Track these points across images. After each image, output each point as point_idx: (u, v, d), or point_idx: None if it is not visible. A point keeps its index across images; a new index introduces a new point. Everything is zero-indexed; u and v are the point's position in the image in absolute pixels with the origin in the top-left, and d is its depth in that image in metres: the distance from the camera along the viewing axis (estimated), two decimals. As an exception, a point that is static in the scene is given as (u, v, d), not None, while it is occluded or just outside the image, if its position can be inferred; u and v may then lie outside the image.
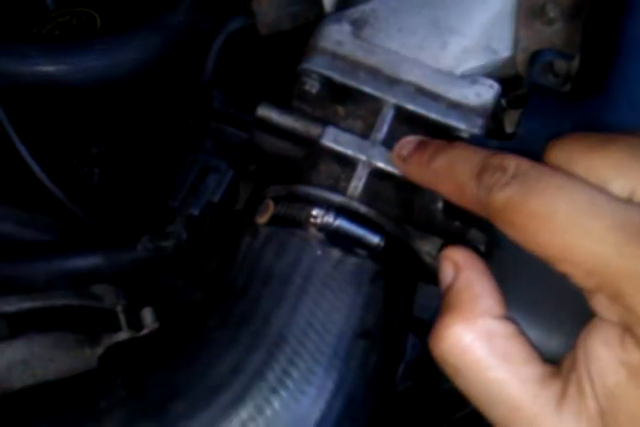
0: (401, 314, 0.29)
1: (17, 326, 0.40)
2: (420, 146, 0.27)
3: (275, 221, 0.29)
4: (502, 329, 0.22)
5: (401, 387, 0.44)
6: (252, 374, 0.25)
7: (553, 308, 0.23)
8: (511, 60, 0.32)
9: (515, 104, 0.32)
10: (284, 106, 0.32)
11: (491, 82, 0.30)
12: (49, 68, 0.35)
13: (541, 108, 0.28)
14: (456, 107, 0.30)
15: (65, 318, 0.41)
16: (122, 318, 0.43)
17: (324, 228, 0.27)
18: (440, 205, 0.29)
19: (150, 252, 0.33)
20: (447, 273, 0.23)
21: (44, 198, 0.49)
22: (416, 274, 0.30)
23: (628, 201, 0.20)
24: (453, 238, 0.30)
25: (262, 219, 0.29)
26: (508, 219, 0.21)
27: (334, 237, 0.27)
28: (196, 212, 0.31)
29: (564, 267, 0.20)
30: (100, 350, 0.40)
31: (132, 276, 0.39)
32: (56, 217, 0.48)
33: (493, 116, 0.31)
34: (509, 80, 0.32)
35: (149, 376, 0.26)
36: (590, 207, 0.20)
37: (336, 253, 0.27)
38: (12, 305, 0.40)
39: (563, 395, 0.21)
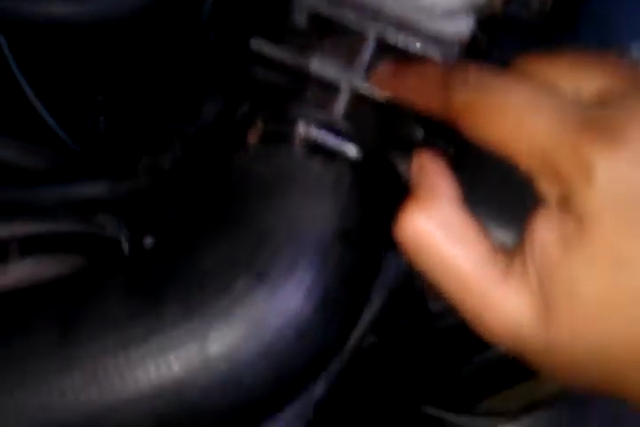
0: (378, 223, 0.32)
1: (26, 249, 0.43)
2: (398, 67, 0.30)
3: (264, 138, 0.32)
4: (455, 212, 0.25)
5: (398, 326, 0.47)
6: (240, 264, 0.29)
7: (512, 207, 0.26)
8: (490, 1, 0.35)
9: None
10: (277, 39, 0.35)
11: (465, 16, 0.33)
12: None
13: (511, 38, 0.31)
14: (433, 39, 0.33)
15: (70, 244, 0.44)
16: (125, 246, 0.46)
17: (307, 140, 0.31)
18: (421, 131, 0.32)
19: (149, 175, 0.37)
20: (414, 169, 0.27)
21: (50, 141, 0.52)
22: (395, 188, 0.33)
23: (569, 97, 0.24)
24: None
25: (253, 137, 0.32)
26: (466, 118, 0.25)
27: (316, 149, 0.31)
28: (190, 130, 0.34)
29: (511, 152, 0.23)
30: (102, 274, 0.43)
31: (134, 205, 0.42)
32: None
33: (472, 49, 0.34)
34: (490, 20, 0.35)
35: (148, 267, 0.30)
36: (534, 100, 0.23)
37: (318, 162, 0.31)
38: (21, 229, 0.43)
39: (508, 267, 0.24)
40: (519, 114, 0.23)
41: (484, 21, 0.34)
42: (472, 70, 0.25)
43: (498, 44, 0.31)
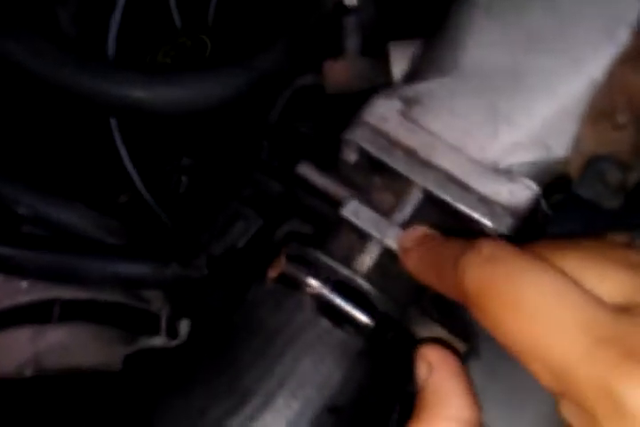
0: (381, 394, 0.29)
1: (67, 313, 0.44)
2: (421, 239, 0.27)
3: (281, 278, 0.30)
4: None
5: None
6: (214, 421, 0.27)
7: (533, 410, 0.22)
8: (566, 162, 0.31)
9: (558, 207, 0.31)
10: (331, 165, 0.33)
11: (530, 183, 0.29)
12: (141, 95, 0.38)
13: (571, 220, 0.27)
14: (486, 202, 0.29)
15: (112, 314, 0.45)
16: (163, 322, 0.46)
17: (318, 298, 0.28)
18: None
19: (180, 277, 0.36)
20: (421, 373, 0.24)
21: (137, 202, 0.54)
22: (409, 357, 0.30)
23: (598, 298, 0.19)
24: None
25: (272, 273, 0.30)
26: (479, 304, 0.21)
27: (326, 309, 0.28)
28: (216, 252, 0.33)
29: (532, 366, 0.19)
30: (129, 351, 0.44)
31: (172, 289, 0.42)
32: (143, 218, 0.52)
33: (531, 221, 0.30)
34: (560, 180, 0.31)
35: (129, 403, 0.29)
36: (558, 295, 0.19)
37: (325, 323, 0.28)
38: (69, 293, 0.44)
39: None
40: (541, 313, 0.19)
41: (558, 183, 0.30)
42: (487, 244, 0.21)
43: (557, 220, 0.27)
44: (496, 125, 0.31)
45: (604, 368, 0.18)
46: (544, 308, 0.19)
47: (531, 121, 0.31)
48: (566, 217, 0.28)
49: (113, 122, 0.53)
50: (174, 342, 0.45)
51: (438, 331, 0.30)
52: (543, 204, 0.30)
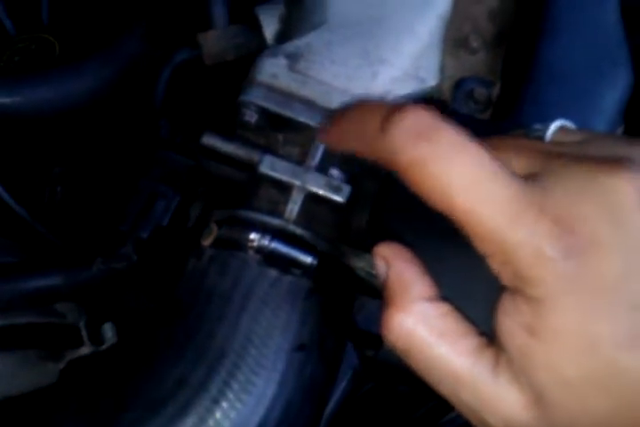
0: (335, 326, 0.31)
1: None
2: (340, 115, 0.25)
3: (218, 243, 0.31)
4: (435, 310, 0.24)
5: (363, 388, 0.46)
6: (196, 387, 0.28)
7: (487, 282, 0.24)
8: (438, 88, 0.35)
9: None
10: (230, 132, 0.34)
11: (416, 109, 0.33)
12: (5, 100, 0.36)
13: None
14: (384, 133, 0.32)
15: (29, 336, 0.43)
16: (84, 333, 0.45)
17: (261, 250, 0.30)
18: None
19: (105, 272, 0.35)
20: (381, 269, 0.25)
21: (8, 219, 0.51)
22: (352, 289, 0.33)
23: (513, 172, 0.22)
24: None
25: (207, 241, 0.31)
26: (414, 179, 0.22)
27: (271, 259, 0.30)
28: (144, 235, 0.33)
29: (466, 230, 0.22)
30: (62, 365, 0.42)
31: (90, 294, 0.41)
32: (20, 236, 0.49)
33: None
34: (437, 107, 0.35)
35: (100, 391, 0.28)
36: (490, 172, 0.22)
37: (273, 272, 0.30)
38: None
39: (496, 362, 0.22)
40: (474, 187, 0.21)
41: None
42: (412, 117, 0.22)
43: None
44: (372, 67, 0.34)
45: (526, 228, 0.21)
46: (477, 184, 0.21)
47: (400, 59, 0.34)
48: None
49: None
50: (103, 347, 0.44)
51: (371, 258, 0.32)
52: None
